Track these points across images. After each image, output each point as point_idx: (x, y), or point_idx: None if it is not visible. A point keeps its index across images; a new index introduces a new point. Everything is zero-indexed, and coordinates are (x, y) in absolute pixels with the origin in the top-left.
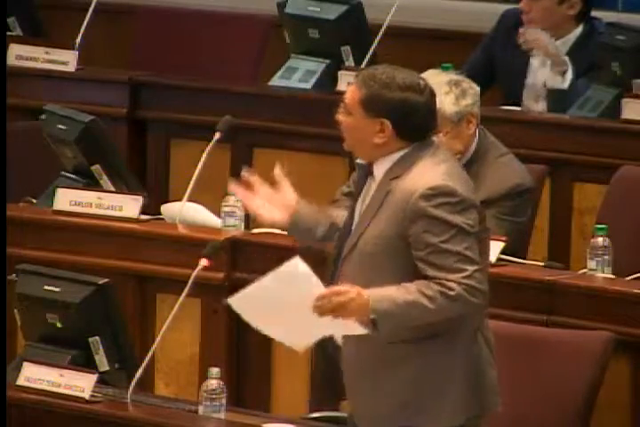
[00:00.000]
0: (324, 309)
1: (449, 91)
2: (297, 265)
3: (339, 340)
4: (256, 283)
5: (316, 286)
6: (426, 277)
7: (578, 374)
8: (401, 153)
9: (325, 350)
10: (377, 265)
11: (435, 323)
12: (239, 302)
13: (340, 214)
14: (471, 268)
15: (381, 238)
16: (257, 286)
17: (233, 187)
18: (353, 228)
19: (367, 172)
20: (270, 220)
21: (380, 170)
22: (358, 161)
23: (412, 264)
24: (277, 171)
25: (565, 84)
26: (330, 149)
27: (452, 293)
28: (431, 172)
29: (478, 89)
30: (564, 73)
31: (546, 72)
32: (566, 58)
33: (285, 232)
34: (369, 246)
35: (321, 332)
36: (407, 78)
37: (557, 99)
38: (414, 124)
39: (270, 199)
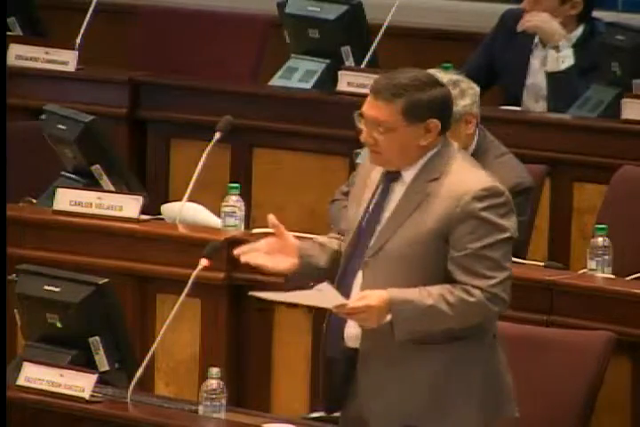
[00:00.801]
0: (342, 313)
1: None
2: (324, 287)
3: (349, 343)
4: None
5: (338, 297)
6: (453, 281)
7: (578, 374)
8: (430, 154)
9: (327, 353)
10: (409, 265)
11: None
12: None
13: (334, 242)
14: (500, 276)
15: (420, 239)
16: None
17: (238, 252)
18: (378, 230)
19: (392, 177)
20: (278, 269)
21: (409, 172)
22: (359, 161)
23: (443, 268)
24: (272, 219)
25: (563, 66)
26: (330, 149)
27: (472, 299)
28: (475, 172)
29: (478, 89)
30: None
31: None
32: (563, 42)
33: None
34: (403, 247)
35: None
36: (422, 75)
37: (555, 85)
38: (450, 116)
39: (273, 250)
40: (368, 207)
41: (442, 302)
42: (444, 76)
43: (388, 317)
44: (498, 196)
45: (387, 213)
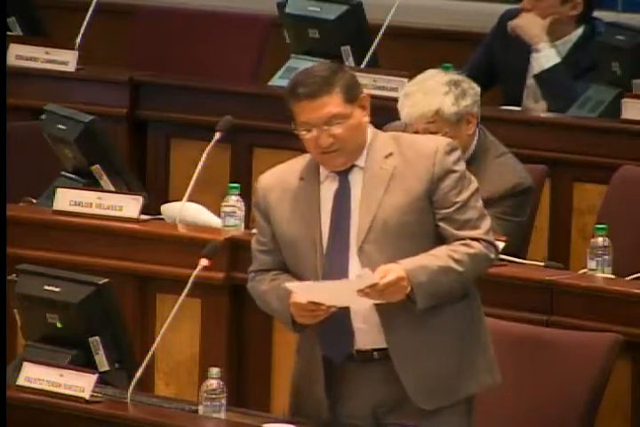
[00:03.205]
0: (373, 295)
1: (448, 91)
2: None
3: (360, 343)
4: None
5: (370, 277)
6: (447, 237)
7: (581, 376)
8: (369, 135)
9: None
10: (408, 233)
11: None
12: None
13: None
14: (487, 223)
15: (411, 204)
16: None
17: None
18: (354, 218)
19: (346, 169)
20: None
21: (360, 158)
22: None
23: (433, 232)
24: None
25: (547, 65)
26: None
27: (474, 250)
28: (425, 136)
29: (478, 89)
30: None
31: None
32: (542, 44)
33: None
34: (396, 218)
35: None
36: (326, 64)
37: (544, 85)
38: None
39: None
40: (319, 207)
41: (450, 260)
42: (444, 76)
43: (409, 287)
44: (457, 149)
45: (355, 199)
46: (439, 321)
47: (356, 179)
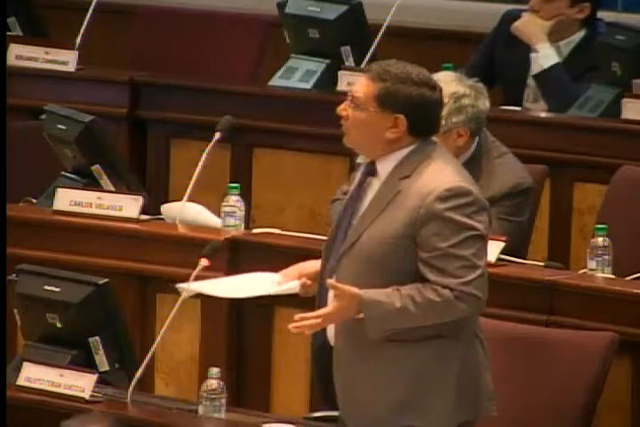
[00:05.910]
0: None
1: (444, 104)
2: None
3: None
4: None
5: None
6: (424, 281)
7: (580, 375)
8: (406, 151)
9: (321, 353)
10: (378, 264)
11: (433, 325)
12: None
13: None
14: (472, 275)
15: (388, 237)
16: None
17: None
18: (353, 225)
19: (368, 170)
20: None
21: (384, 168)
22: (359, 160)
23: (414, 264)
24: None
25: (546, 65)
26: (330, 149)
27: (439, 299)
28: (444, 172)
29: (483, 107)
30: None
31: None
32: (541, 44)
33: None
34: (373, 245)
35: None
36: (421, 74)
37: (542, 85)
38: (427, 120)
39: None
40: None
41: (410, 302)
42: (453, 86)
43: (361, 315)
44: (462, 196)
45: (363, 208)
46: (389, 350)
47: (374, 186)
